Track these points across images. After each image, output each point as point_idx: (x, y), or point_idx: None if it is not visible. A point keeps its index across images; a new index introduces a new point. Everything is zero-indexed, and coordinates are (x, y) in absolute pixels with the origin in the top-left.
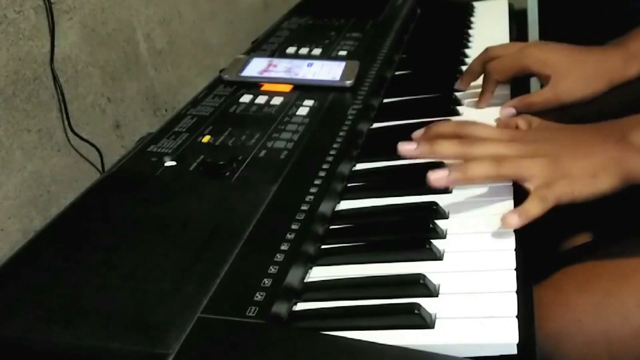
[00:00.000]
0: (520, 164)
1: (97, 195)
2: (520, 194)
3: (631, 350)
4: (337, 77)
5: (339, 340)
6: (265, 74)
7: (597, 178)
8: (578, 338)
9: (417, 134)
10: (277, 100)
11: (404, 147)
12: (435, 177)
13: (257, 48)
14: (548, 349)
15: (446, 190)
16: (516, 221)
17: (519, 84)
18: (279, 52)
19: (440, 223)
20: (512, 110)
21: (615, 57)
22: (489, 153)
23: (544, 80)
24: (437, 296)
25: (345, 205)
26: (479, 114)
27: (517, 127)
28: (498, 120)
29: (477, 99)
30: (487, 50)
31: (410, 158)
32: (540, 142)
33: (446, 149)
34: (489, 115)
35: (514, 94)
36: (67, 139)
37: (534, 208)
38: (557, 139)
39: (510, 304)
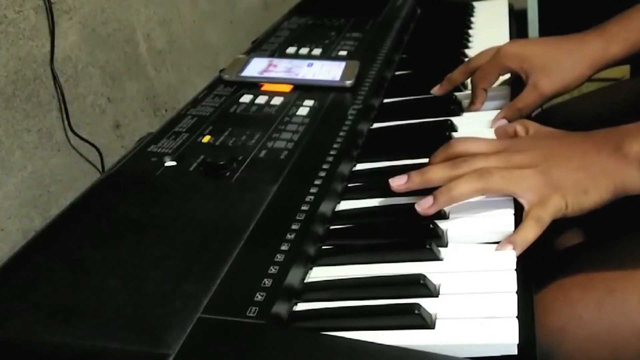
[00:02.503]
0: (510, 175)
1: (97, 195)
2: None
3: (633, 347)
4: (337, 77)
5: (339, 340)
6: (265, 74)
7: (588, 194)
8: (580, 334)
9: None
10: (277, 100)
11: (395, 182)
12: (422, 208)
13: (257, 48)
14: (550, 345)
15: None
16: (517, 251)
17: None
18: (279, 52)
19: (440, 223)
20: (504, 122)
21: (594, 40)
22: (476, 167)
23: (525, 78)
24: (437, 296)
25: (345, 205)
26: (479, 113)
27: (515, 133)
28: (497, 129)
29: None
30: (468, 62)
31: (405, 191)
32: (531, 151)
33: (436, 174)
34: (488, 115)
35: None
36: (67, 139)
37: (530, 232)
38: (549, 147)
39: (510, 304)
